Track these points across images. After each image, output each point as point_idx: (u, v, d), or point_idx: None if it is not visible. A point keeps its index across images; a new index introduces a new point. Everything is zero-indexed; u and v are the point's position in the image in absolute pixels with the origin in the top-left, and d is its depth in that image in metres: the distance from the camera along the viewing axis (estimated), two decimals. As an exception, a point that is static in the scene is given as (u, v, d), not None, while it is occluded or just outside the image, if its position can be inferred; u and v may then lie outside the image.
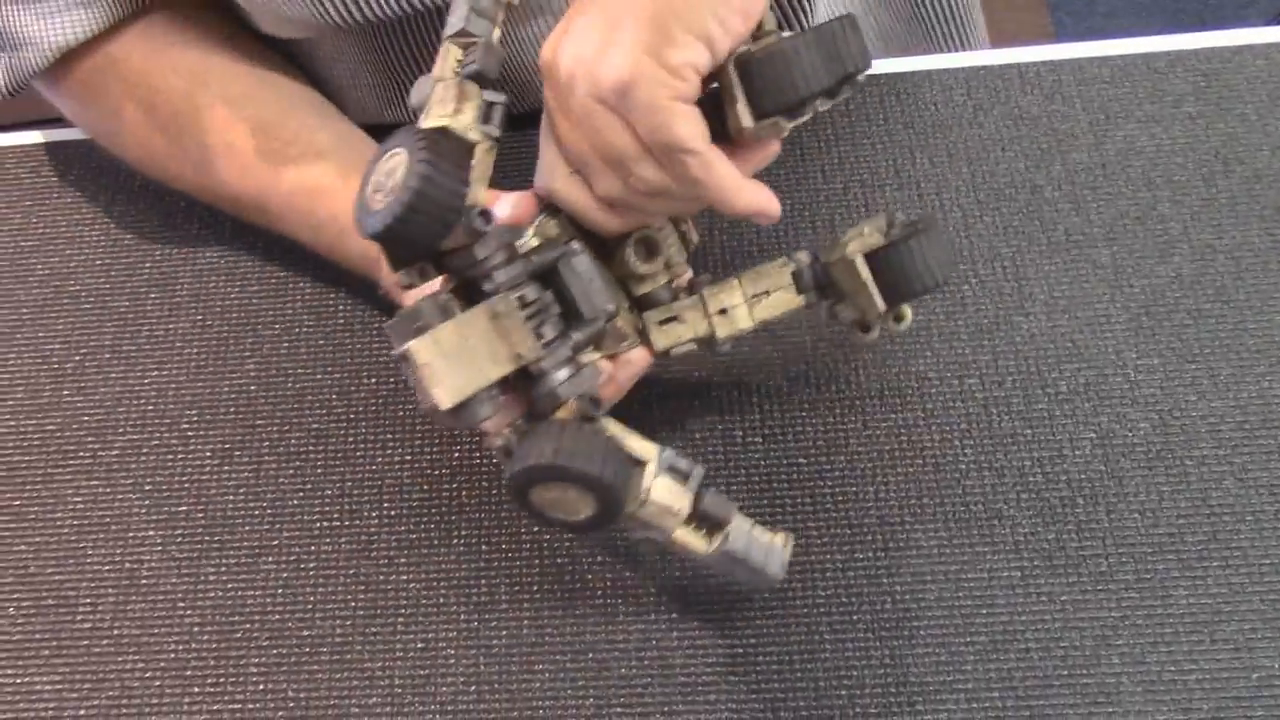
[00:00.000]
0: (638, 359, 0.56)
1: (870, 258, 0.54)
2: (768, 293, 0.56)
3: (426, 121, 0.49)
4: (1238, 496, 0.60)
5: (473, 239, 0.48)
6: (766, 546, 0.52)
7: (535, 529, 0.62)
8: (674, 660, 0.58)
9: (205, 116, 0.64)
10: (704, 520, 0.51)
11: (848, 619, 0.59)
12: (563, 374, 0.50)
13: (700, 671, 0.58)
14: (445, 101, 0.49)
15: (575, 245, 0.53)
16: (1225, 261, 0.66)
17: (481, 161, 0.48)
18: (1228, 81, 0.72)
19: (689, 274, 0.57)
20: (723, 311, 0.56)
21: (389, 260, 0.49)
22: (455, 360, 0.47)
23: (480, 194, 0.48)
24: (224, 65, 0.66)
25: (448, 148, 0.47)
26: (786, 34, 0.49)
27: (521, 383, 0.51)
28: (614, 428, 0.51)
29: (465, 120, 0.49)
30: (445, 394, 0.46)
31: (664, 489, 0.50)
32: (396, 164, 0.46)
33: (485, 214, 0.47)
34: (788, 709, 0.57)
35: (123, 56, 0.65)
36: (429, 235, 0.47)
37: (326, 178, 0.63)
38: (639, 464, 0.50)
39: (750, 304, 0.56)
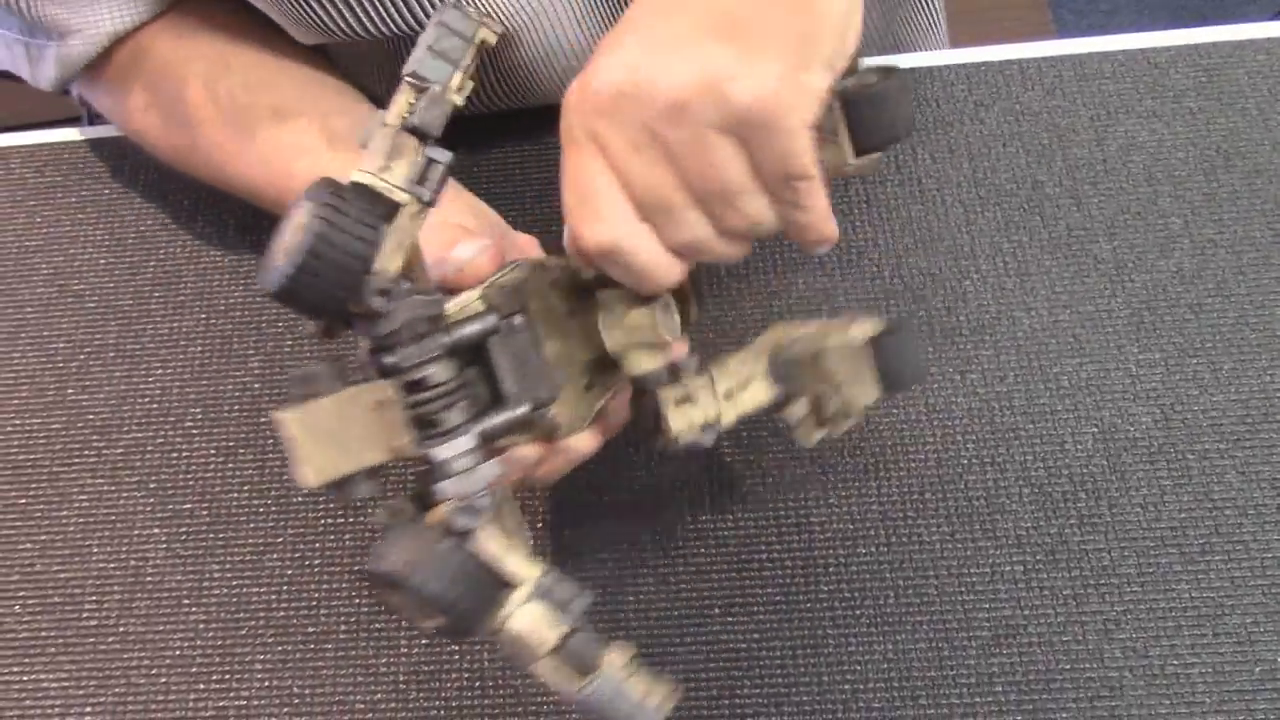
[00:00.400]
0: (579, 446, 0.52)
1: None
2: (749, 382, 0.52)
3: (353, 173, 0.45)
4: (1240, 490, 0.61)
5: (376, 310, 0.44)
6: (635, 704, 0.45)
7: (538, 525, 0.62)
8: (677, 654, 0.59)
9: (224, 102, 0.63)
10: (570, 658, 0.45)
11: (851, 613, 0.59)
12: (455, 466, 0.46)
13: (703, 666, 0.58)
14: (376, 154, 0.45)
15: (517, 321, 0.49)
16: (1226, 256, 0.66)
17: (403, 227, 0.44)
18: (1229, 76, 0.72)
19: (685, 349, 0.52)
20: (728, 394, 0.51)
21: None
22: (327, 440, 0.43)
23: (392, 262, 0.44)
24: (246, 54, 0.65)
25: (358, 206, 0.43)
26: (869, 68, 0.47)
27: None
28: (492, 543, 0.45)
29: (394, 178, 0.44)
30: (310, 472, 0.43)
31: (527, 619, 0.44)
32: (300, 219, 0.43)
33: (386, 291, 0.43)
34: (791, 703, 0.57)
35: (150, 45, 0.65)
36: (324, 299, 0.43)
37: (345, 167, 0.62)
38: (507, 586, 0.44)
39: (738, 391, 0.52)
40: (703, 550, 0.61)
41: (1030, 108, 0.72)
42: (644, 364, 0.50)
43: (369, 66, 0.70)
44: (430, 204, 0.45)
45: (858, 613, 0.59)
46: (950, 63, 0.74)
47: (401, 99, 0.46)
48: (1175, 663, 0.57)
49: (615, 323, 0.50)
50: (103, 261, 0.71)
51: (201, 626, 0.61)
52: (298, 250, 0.42)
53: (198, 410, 0.66)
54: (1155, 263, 0.67)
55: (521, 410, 0.48)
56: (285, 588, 0.61)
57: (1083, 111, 0.71)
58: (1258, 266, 0.66)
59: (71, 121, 0.80)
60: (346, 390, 0.44)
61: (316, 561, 0.62)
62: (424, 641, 0.60)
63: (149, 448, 0.65)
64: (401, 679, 0.59)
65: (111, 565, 0.63)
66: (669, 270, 0.47)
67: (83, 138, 0.75)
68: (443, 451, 0.45)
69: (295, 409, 0.43)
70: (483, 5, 0.65)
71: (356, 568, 0.62)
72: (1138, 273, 0.66)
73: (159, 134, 0.67)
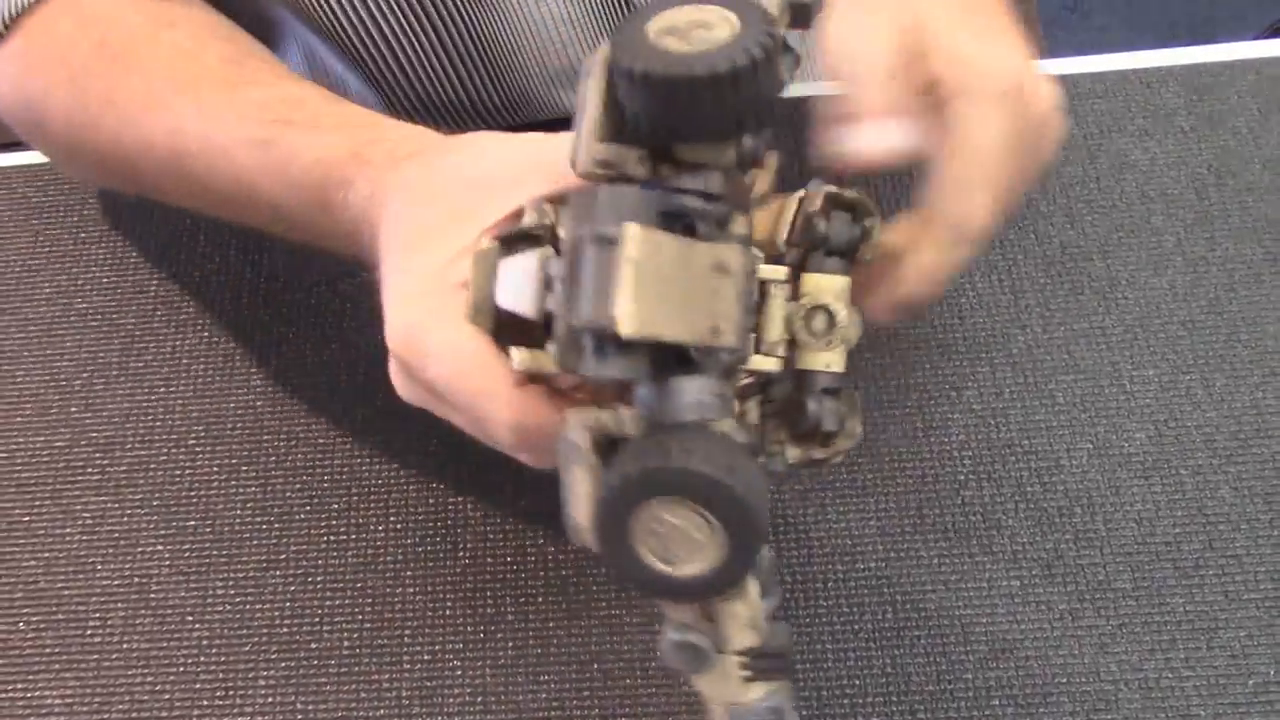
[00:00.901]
0: None
1: None
2: None
3: None
4: (1233, 505, 0.61)
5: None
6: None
7: (540, 542, 0.62)
8: (677, 671, 0.59)
9: (165, 49, 0.58)
10: (759, 659, 0.39)
11: (850, 628, 0.59)
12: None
13: (704, 681, 0.59)
14: None
15: None
16: (1218, 273, 0.67)
17: None
18: (1219, 96, 0.73)
19: None
20: None
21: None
22: (657, 285, 0.35)
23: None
24: (192, 13, 0.61)
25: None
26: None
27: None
28: None
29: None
30: (631, 316, 0.34)
31: (754, 591, 0.38)
32: (709, 18, 0.37)
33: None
34: (791, 718, 0.58)
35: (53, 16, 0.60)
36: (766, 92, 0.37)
37: (310, 92, 0.55)
38: None
39: None
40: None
41: (1024, 127, 0.73)
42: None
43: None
44: None
45: (856, 627, 0.59)
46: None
47: None
48: (1170, 676, 0.58)
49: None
50: (106, 280, 0.72)
51: (205, 643, 0.61)
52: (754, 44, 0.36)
53: (200, 428, 0.67)
54: (1148, 280, 0.68)
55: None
56: (288, 604, 0.62)
57: (1075, 131, 0.72)
58: (1249, 284, 0.67)
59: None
60: (683, 239, 0.37)
61: (319, 578, 0.62)
62: (426, 658, 0.60)
63: (152, 465, 0.66)
64: (404, 695, 0.59)
65: (115, 582, 0.63)
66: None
67: (85, 158, 0.76)
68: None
69: (650, 231, 0.36)
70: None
71: (360, 583, 0.62)
72: (1131, 290, 0.67)
73: (73, 93, 0.60)
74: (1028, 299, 0.67)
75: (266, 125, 0.53)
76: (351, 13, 0.67)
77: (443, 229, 0.45)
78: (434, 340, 0.44)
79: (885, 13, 0.46)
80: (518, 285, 0.42)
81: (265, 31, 0.73)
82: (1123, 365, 0.65)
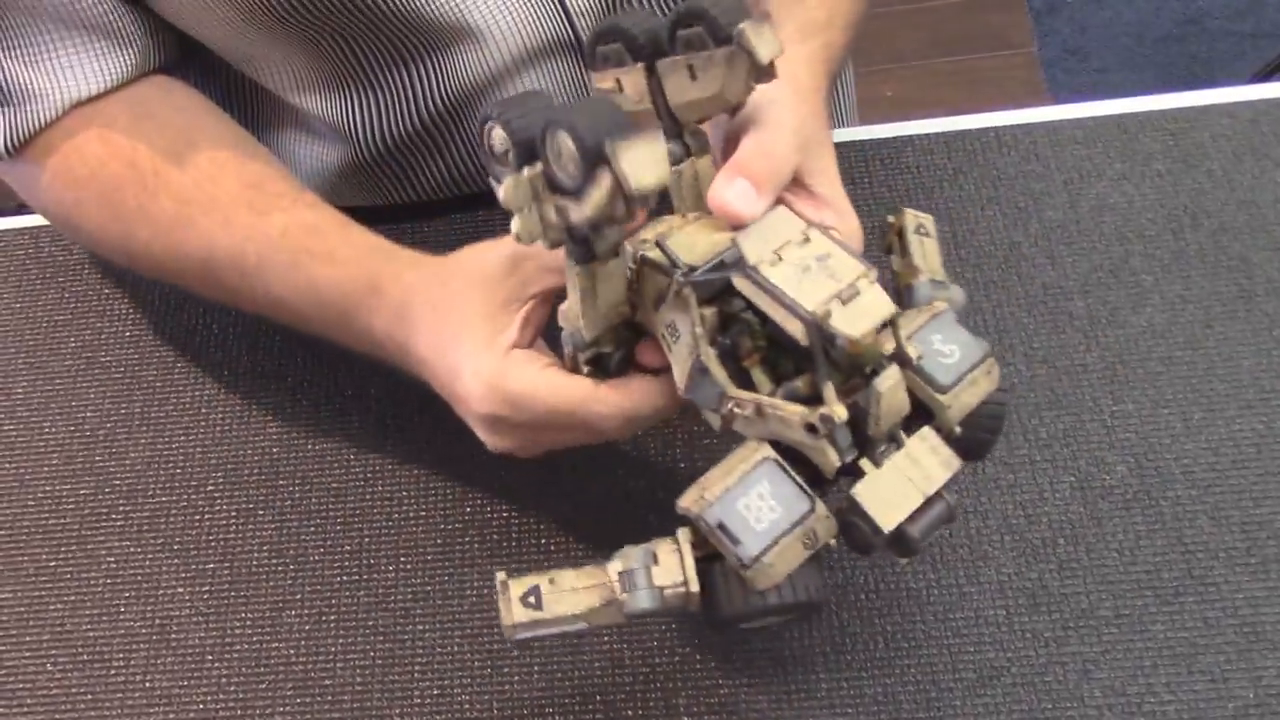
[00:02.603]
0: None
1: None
2: None
3: None
4: (1211, 534, 0.63)
5: None
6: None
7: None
8: (678, 702, 0.61)
9: (190, 171, 0.64)
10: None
11: (842, 658, 0.62)
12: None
13: (703, 712, 0.61)
14: None
15: None
16: (1195, 311, 0.70)
17: None
18: (1194, 140, 0.76)
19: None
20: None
21: None
22: None
23: None
24: (212, 130, 0.67)
25: None
26: None
27: None
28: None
29: None
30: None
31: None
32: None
33: None
34: (786, 745, 0.60)
35: (110, 117, 0.66)
36: None
37: (324, 219, 0.63)
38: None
39: None
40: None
41: (1006, 173, 0.75)
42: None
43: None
44: None
45: (848, 657, 0.62)
46: (929, 131, 0.78)
47: None
48: (1152, 700, 0.59)
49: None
50: (128, 335, 0.75)
51: (224, 681, 0.64)
52: None
53: (219, 475, 0.70)
54: (1127, 318, 0.70)
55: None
56: (303, 643, 0.64)
57: (1056, 175, 0.75)
58: (1224, 321, 0.69)
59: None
60: None
61: (332, 617, 0.65)
62: (435, 693, 0.62)
63: (173, 511, 0.69)
64: (414, 728, 0.62)
65: (138, 624, 0.66)
66: None
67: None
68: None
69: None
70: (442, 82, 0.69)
71: (372, 621, 0.64)
72: (1111, 328, 0.70)
73: (103, 205, 0.66)
74: (1011, 338, 0.70)
75: (291, 252, 0.62)
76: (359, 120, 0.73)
77: (477, 315, 0.56)
78: (515, 386, 0.54)
79: (796, 125, 0.55)
80: None
81: (263, 103, 0.77)
82: (1103, 400, 0.67)
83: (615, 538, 0.59)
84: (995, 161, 0.76)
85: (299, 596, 0.66)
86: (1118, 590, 0.62)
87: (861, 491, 0.48)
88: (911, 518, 0.48)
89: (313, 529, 0.67)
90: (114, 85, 0.67)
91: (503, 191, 0.46)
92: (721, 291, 0.50)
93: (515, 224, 0.47)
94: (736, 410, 0.49)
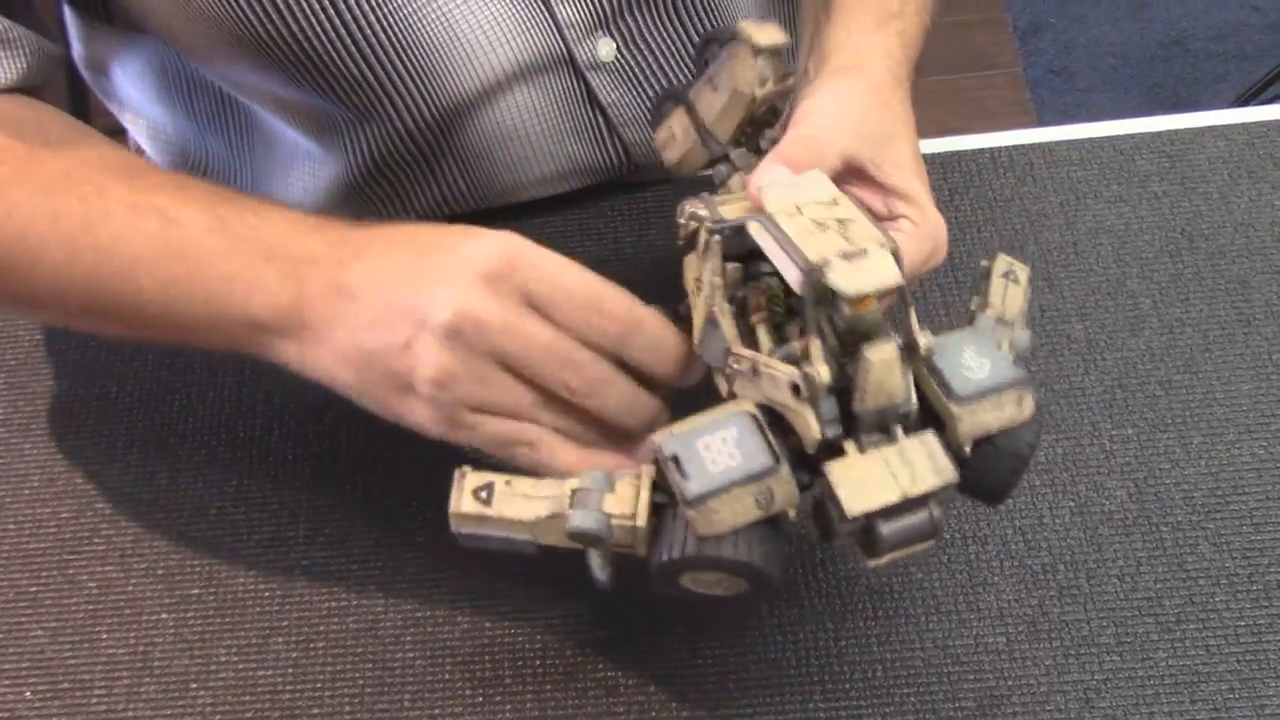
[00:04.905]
0: None
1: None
2: None
3: None
4: (1212, 560, 0.63)
5: None
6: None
7: (537, 606, 0.64)
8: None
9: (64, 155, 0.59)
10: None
11: (840, 686, 0.61)
12: None
13: (698, 741, 0.60)
14: None
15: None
16: (1193, 334, 0.69)
17: None
18: (1191, 162, 0.75)
19: None
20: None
21: None
22: None
23: None
24: (80, 133, 0.64)
25: None
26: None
27: None
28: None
29: None
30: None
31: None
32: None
33: None
34: (784, 776, 0.59)
35: None
36: None
37: (199, 185, 0.57)
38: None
39: None
40: (697, 626, 0.63)
41: (1003, 194, 0.75)
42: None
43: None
44: None
45: (846, 685, 0.61)
46: (925, 152, 0.77)
47: None
48: (1155, 730, 0.59)
49: None
50: (111, 354, 0.73)
51: (209, 709, 0.62)
52: None
53: (204, 498, 0.68)
54: (1126, 341, 0.69)
55: None
56: (291, 670, 0.63)
57: (1053, 197, 0.75)
58: (1223, 344, 0.69)
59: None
60: None
61: (320, 644, 0.64)
62: (425, 721, 0.61)
63: (156, 535, 0.67)
64: (404, 758, 0.61)
65: (120, 650, 0.64)
66: None
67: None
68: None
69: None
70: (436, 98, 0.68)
71: (361, 648, 0.63)
72: (1109, 351, 0.69)
73: None
74: (1009, 361, 0.69)
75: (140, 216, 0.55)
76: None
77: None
78: (548, 260, 0.50)
79: (852, 116, 0.55)
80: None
81: (253, 126, 0.76)
82: (1102, 424, 0.67)
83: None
84: (991, 183, 0.75)
85: (286, 623, 0.64)
86: (1119, 617, 0.62)
87: (835, 469, 0.46)
88: (886, 515, 0.46)
89: (300, 554, 0.66)
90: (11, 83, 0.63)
91: None
92: (751, 254, 0.50)
93: None
94: (736, 367, 0.48)
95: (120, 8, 0.67)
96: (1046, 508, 0.65)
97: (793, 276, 0.46)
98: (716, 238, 0.50)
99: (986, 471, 0.49)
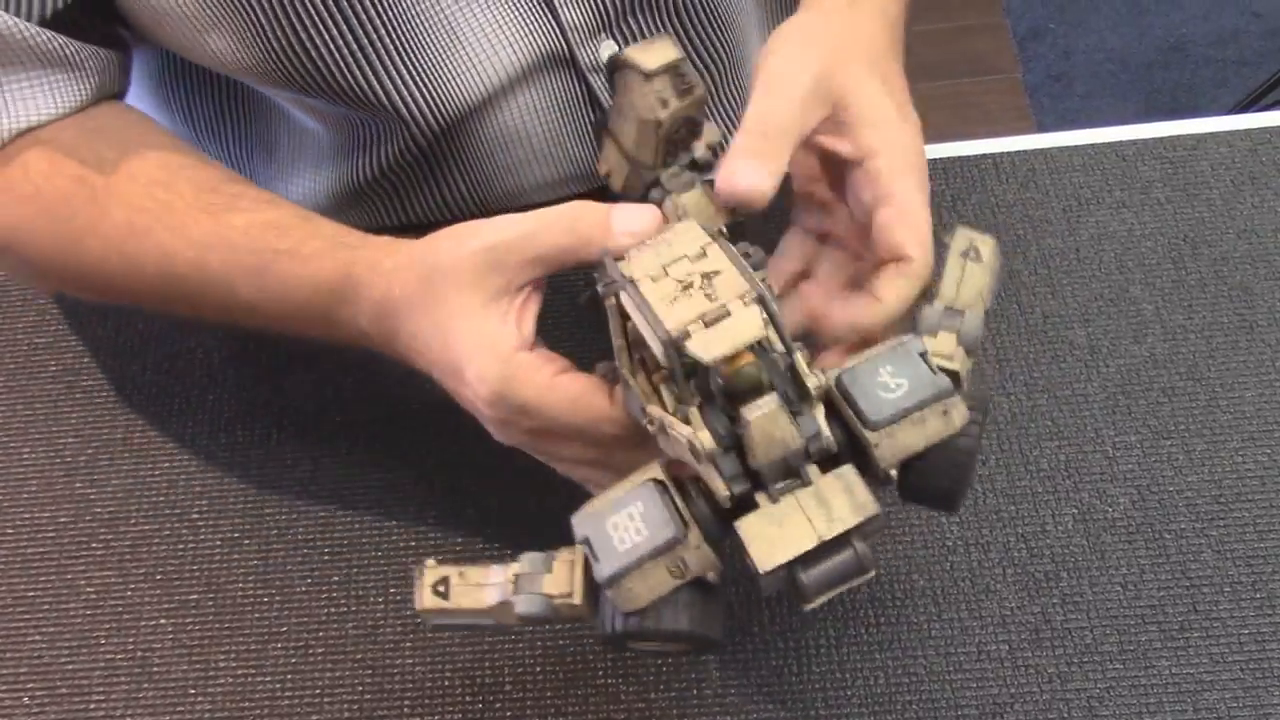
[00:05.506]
0: None
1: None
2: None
3: None
4: (1216, 568, 0.63)
5: None
6: None
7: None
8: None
9: (140, 179, 0.62)
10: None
11: (842, 694, 0.60)
12: None
13: (699, 748, 0.60)
14: None
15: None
16: (1196, 340, 0.69)
17: None
18: (1193, 168, 0.75)
19: None
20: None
21: None
22: None
23: None
24: (161, 140, 0.65)
25: None
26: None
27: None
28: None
29: None
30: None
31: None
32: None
33: None
34: (785, 784, 0.59)
35: (58, 135, 0.64)
36: None
37: (286, 216, 0.60)
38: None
39: None
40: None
41: (1005, 200, 0.75)
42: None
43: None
44: None
45: (848, 693, 0.60)
46: (927, 158, 0.77)
47: None
48: (1158, 738, 0.59)
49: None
50: (110, 359, 0.73)
51: (207, 716, 0.62)
52: None
53: (203, 502, 0.68)
54: (1128, 348, 0.69)
55: None
56: (289, 676, 0.63)
57: (1055, 203, 0.74)
58: (1226, 350, 0.69)
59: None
60: None
61: (319, 650, 0.63)
62: (425, 728, 0.61)
63: (155, 540, 0.67)
64: (403, 765, 0.60)
65: (119, 656, 0.64)
66: None
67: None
68: None
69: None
70: (435, 94, 0.68)
71: (360, 654, 0.63)
72: (1112, 358, 0.69)
73: (50, 225, 0.63)
74: (1011, 367, 0.69)
75: (255, 253, 0.59)
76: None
77: (466, 314, 0.52)
78: (525, 393, 0.51)
79: (816, 51, 0.53)
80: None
81: (256, 127, 0.76)
82: (1105, 431, 0.67)
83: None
84: (994, 189, 0.75)
85: (285, 629, 0.64)
86: (1122, 625, 0.61)
87: (745, 525, 0.45)
88: (805, 562, 0.44)
89: (299, 559, 0.66)
90: (66, 113, 0.64)
91: None
92: None
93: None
94: (649, 427, 0.47)
95: (136, 24, 0.66)
96: (1049, 515, 0.64)
97: (656, 350, 0.45)
98: (613, 299, 0.48)
99: (928, 485, 0.48)
